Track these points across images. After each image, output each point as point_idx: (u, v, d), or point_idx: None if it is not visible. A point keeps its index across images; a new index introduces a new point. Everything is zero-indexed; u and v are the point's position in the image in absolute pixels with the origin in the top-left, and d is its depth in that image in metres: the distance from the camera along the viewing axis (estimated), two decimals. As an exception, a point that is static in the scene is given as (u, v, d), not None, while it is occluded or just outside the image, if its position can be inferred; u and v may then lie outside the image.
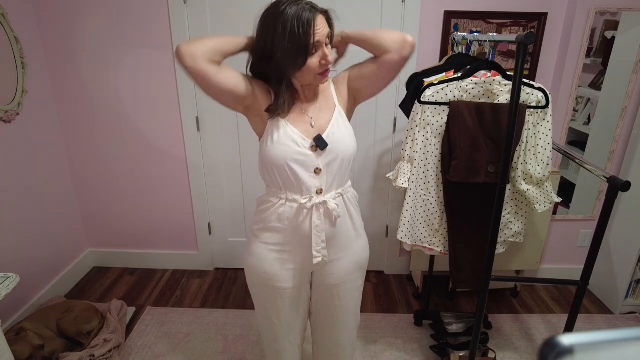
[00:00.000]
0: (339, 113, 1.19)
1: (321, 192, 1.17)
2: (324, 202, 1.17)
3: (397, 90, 2.28)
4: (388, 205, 2.54)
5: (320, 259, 1.20)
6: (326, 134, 1.15)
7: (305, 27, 0.99)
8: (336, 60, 1.21)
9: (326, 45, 1.06)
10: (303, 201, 1.15)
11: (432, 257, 2.11)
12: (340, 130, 1.17)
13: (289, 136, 1.11)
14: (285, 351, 1.38)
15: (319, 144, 1.13)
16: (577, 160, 1.59)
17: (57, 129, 2.41)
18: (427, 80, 1.68)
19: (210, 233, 2.66)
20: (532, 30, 2.16)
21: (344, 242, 1.26)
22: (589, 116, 2.28)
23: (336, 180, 1.19)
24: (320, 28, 1.02)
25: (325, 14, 1.06)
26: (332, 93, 1.22)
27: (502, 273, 2.26)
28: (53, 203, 2.39)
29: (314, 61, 1.05)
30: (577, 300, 1.57)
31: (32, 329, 1.82)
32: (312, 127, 1.16)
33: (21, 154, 2.14)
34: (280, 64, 1.05)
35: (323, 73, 1.09)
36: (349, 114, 1.25)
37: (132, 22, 2.19)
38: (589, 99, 2.25)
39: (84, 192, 2.58)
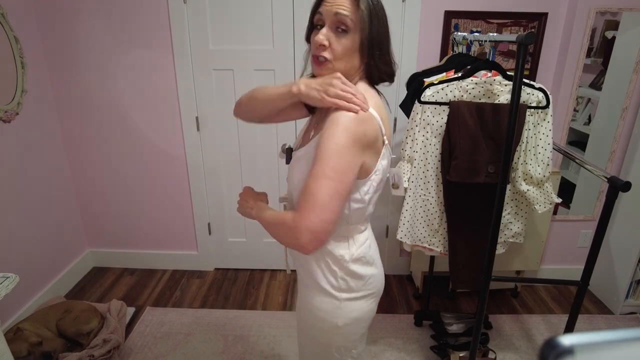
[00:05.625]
0: (314, 143, 0.96)
1: (285, 200, 1.12)
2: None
3: (397, 90, 2.28)
4: (388, 205, 2.53)
5: (287, 269, 1.19)
6: (296, 151, 1.03)
7: None
8: None
9: (338, 29, 0.90)
10: (283, 195, 1.13)
11: (432, 258, 2.11)
12: (299, 160, 0.99)
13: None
14: None
15: (286, 156, 1.08)
16: (577, 161, 1.59)
17: (57, 129, 2.40)
18: (427, 80, 1.68)
19: (210, 233, 2.66)
20: (533, 30, 2.16)
21: (298, 273, 1.15)
22: (590, 116, 2.28)
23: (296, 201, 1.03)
24: (331, 3, 0.89)
25: None
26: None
27: (503, 273, 2.26)
28: (53, 203, 2.38)
29: (313, 36, 0.94)
30: (578, 301, 1.57)
31: (30, 328, 1.82)
32: (311, 137, 1.01)
33: (21, 154, 2.14)
34: None
35: (315, 59, 0.93)
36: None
37: (132, 22, 2.19)
38: (589, 99, 2.25)
39: (84, 192, 2.58)
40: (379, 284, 1.10)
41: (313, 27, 0.95)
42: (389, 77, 1.00)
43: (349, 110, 0.87)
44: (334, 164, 0.85)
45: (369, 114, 0.90)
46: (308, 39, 0.99)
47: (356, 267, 1.03)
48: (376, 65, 0.96)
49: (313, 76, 1.02)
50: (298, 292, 1.17)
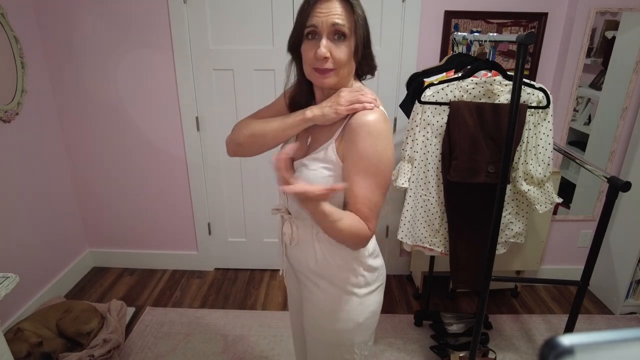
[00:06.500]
0: (325, 150, 0.96)
1: (289, 213, 1.08)
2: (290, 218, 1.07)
3: (397, 90, 2.28)
4: (388, 205, 2.53)
5: (280, 271, 1.18)
6: (302, 159, 1.01)
7: (308, 5, 0.90)
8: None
9: (335, 37, 0.90)
10: (276, 207, 1.10)
11: (432, 258, 2.11)
12: (308, 169, 0.98)
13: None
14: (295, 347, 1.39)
15: None
16: (577, 161, 1.59)
17: (56, 129, 2.40)
18: (427, 80, 1.68)
19: (209, 233, 2.66)
20: (533, 30, 2.16)
21: (304, 278, 1.11)
22: (590, 116, 2.28)
23: (303, 212, 1.01)
24: (325, 13, 0.88)
25: (347, 3, 0.89)
26: (338, 130, 0.96)
27: (503, 273, 2.25)
28: (53, 203, 2.38)
29: (306, 48, 0.92)
30: (578, 301, 1.57)
31: (30, 328, 1.82)
32: (307, 144, 1.03)
33: (21, 154, 2.14)
34: (288, 43, 0.98)
35: (318, 70, 0.91)
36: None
37: (132, 22, 2.19)
38: (589, 99, 2.25)
39: (84, 192, 2.58)
40: (385, 273, 1.15)
41: (301, 37, 0.93)
42: (374, 70, 1.02)
43: (364, 108, 0.91)
44: (383, 171, 0.93)
45: (384, 112, 0.94)
46: (293, 49, 0.97)
47: (372, 261, 1.07)
48: (367, 63, 0.99)
49: (297, 88, 1.04)
50: (303, 299, 1.14)
